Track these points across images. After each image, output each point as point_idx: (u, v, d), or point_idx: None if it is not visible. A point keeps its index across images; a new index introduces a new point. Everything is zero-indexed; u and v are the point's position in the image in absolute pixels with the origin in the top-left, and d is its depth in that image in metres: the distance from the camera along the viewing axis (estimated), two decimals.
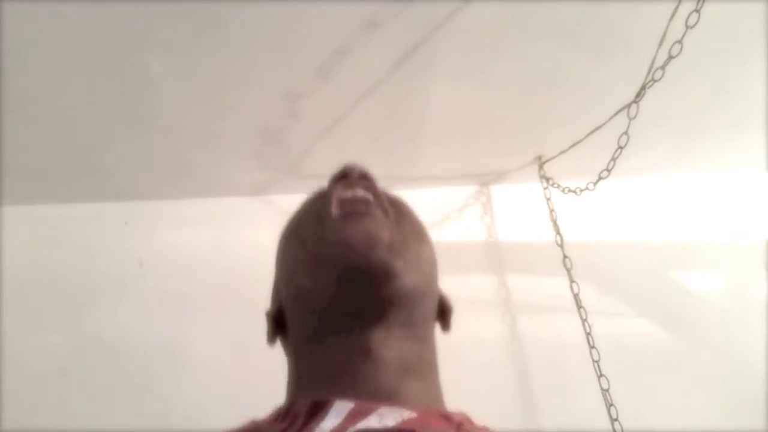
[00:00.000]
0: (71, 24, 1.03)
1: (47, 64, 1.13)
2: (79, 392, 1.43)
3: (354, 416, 0.40)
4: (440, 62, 1.21)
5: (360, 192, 0.52)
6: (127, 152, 1.46)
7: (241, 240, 1.64)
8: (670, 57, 0.99)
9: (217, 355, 1.48)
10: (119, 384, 1.45)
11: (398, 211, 0.53)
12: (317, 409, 0.41)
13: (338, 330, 0.46)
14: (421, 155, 1.56)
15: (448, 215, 1.71)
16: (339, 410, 0.41)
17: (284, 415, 0.44)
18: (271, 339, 0.54)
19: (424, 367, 0.49)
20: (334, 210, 0.50)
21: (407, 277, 0.46)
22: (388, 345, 0.46)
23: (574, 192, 1.50)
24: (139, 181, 1.61)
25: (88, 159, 1.48)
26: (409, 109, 1.37)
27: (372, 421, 0.40)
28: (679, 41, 0.96)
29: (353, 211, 0.49)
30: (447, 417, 0.44)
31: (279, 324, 0.54)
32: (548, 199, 1.58)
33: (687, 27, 0.94)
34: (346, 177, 0.55)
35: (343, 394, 0.42)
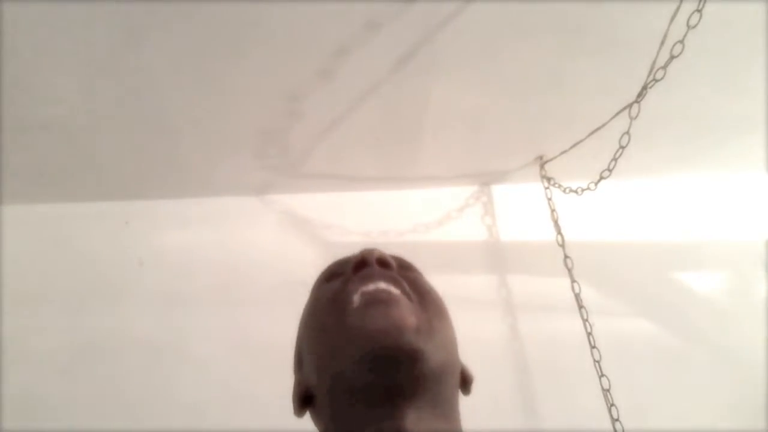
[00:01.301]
0: (71, 24, 1.03)
1: (47, 64, 1.13)
2: (79, 392, 1.43)
3: None
4: (440, 62, 1.21)
5: (382, 285, 0.53)
6: (127, 152, 1.46)
7: (241, 239, 1.64)
8: (672, 57, 0.98)
9: (216, 354, 1.48)
10: (119, 384, 1.45)
11: (420, 293, 0.55)
12: None
13: (371, 414, 0.47)
14: (422, 155, 1.56)
15: (449, 215, 1.71)
16: None
17: None
18: (299, 414, 0.55)
19: None
20: (357, 303, 0.51)
21: (435, 359, 0.48)
22: (420, 425, 0.47)
23: (575, 192, 1.50)
24: (139, 181, 1.61)
25: (88, 159, 1.48)
26: (409, 109, 1.37)
27: None
28: (681, 41, 0.96)
29: (376, 299, 0.51)
30: None
31: (306, 401, 0.55)
32: (549, 199, 1.58)
33: (688, 27, 0.94)
34: (364, 265, 0.55)
35: None
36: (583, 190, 1.46)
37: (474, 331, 1.52)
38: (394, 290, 0.52)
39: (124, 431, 1.38)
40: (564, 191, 1.54)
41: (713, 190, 1.79)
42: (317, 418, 0.55)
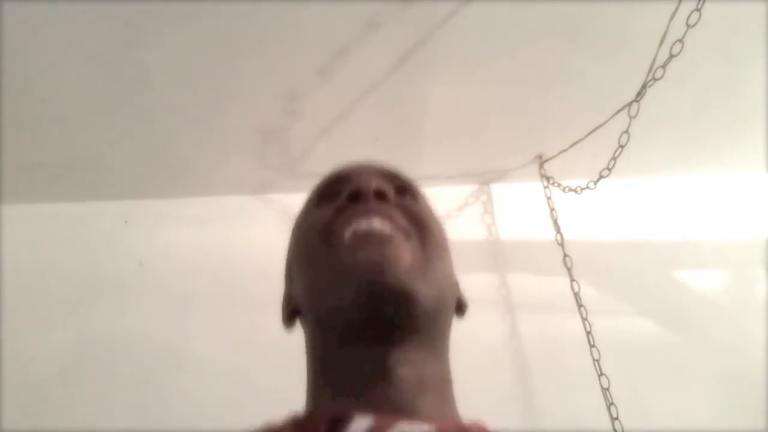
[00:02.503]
0: (71, 24, 1.03)
1: (47, 63, 1.13)
2: (79, 392, 1.43)
3: (374, 431, 0.40)
4: (440, 62, 1.21)
5: (376, 223, 0.49)
6: (127, 151, 1.46)
7: (241, 239, 1.64)
8: (671, 56, 0.99)
9: (217, 353, 1.48)
10: (119, 384, 1.45)
11: (418, 225, 0.52)
12: (336, 423, 0.41)
13: (356, 351, 0.46)
14: (422, 154, 1.56)
15: (449, 214, 1.71)
16: (359, 425, 0.40)
17: (302, 426, 0.44)
18: (288, 326, 0.55)
19: (441, 383, 0.48)
20: (348, 240, 0.48)
21: (428, 299, 0.46)
22: (407, 365, 0.45)
23: (575, 191, 1.50)
24: (139, 180, 1.61)
25: (88, 158, 1.48)
26: (410, 108, 1.37)
27: None
28: (680, 40, 0.96)
29: (369, 240, 0.48)
30: (464, 429, 0.44)
31: (294, 313, 0.54)
32: (549, 198, 1.58)
33: (688, 26, 0.94)
34: (359, 197, 0.51)
35: (362, 409, 0.42)
36: (582, 189, 1.46)
37: (473, 330, 1.52)
38: (389, 229, 0.49)
39: (124, 431, 1.38)
40: (563, 190, 1.54)
41: (713, 189, 1.79)
42: (306, 334, 0.53)
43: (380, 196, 0.52)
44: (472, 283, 1.77)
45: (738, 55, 1.25)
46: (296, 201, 0.58)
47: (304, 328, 0.53)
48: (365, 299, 0.44)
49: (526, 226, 1.69)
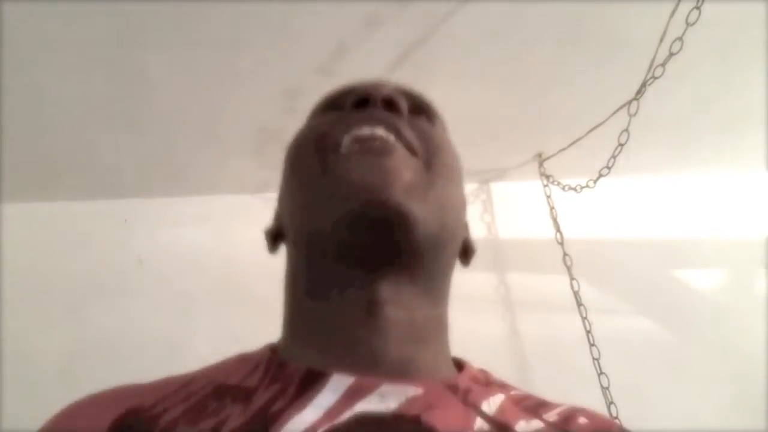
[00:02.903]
0: (71, 24, 1.03)
1: (47, 63, 1.13)
2: (79, 392, 1.43)
3: (353, 394, 0.36)
4: (440, 62, 1.20)
5: (380, 131, 0.43)
6: (127, 150, 1.46)
7: (241, 238, 1.64)
8: (671, 54, 0.99)
9: (217, 352, 1.47)
10: (120, 383, 1.45)
11: (429, 146, 0.45)
12: (312, 380, 0.37)
13: (342, 282, 0.41)
14: None
15: None
16: (337, 385, 0.37)
17: (275, 375, 0.39)
18: (272, 250, 0.51)
19: (434, 329, 0.44)
20: (345, 148, 0.43)
21: (427, 224, 0.40)
22: (397, 302, 0.41)
23: (575, 189, 1.50)
24: (138, 179, 1.61)
25: (88, 157, 1.48)
26: None
27: (373, 401, 0.36)
28: (680, 38, 0.96)
29: (368, 148, 0.42)
30: (453, 387, 0.40)
31: (279, 236, 0.50)
32: (548, 197, 1.58)
33: (687, 24, 0.94)
34: (367, 103, 0.46)
35: (342, 362, 0.38)
36: (582, 187, 1.46)
37: (473, 329, 1.52)
38: (393, 139, 0.43)
39: None
40: (563, 189, 1.54)
41: (713, 188, 1.79)
42: (288, 259, 0.48)
43: (390, 105, 0.46)
44: (471, 281, 1.78)
45: (738, 54, 1.25)
46: None
47: (287, 254, 0.48)
48: (355, 219, 0.39)
49: (525, 225, 1.69)
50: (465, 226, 0.51)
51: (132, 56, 1.13)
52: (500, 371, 1.45)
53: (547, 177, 1.58)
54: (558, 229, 1.51)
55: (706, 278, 1.70)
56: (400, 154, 0.42)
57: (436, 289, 0.45)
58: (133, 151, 1.47)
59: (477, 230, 1.68)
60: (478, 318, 1.54)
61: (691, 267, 1.71)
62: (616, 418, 1.27)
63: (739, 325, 1.60)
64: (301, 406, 0.36)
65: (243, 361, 0.44)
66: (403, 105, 0.47)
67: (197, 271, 1.59)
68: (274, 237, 0.50)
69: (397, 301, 0.41)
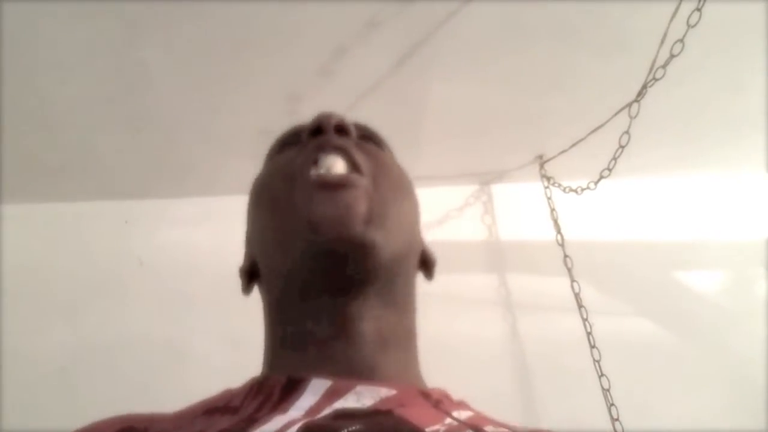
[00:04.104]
0: (71, 24, 1.03)
1: (47, 63, 1.13)
2: (79, 392, 1.43)
3: (331, 395, 0.39)
4: (440, 62, 1.20)
5: (334, 162, 0.47)
6: (127, 151, 1.46)
7: (241, 239, 1.64)
8: (672, 56, 0.98)
9: (217, 353, 1.48)
10: (119, 383, 1.45)
11: (379, 166, 0.49)
12: (293, 387, 0.40)
13: (313, 304, 0.45)
14: (422, 155, 1.55)
15: (449, 214, 1.71)
16: (315, 388, 0.40)
17: (258, 389, 0.43)
18: (246, 291, 0.54)
19: (403, 336, 0.47)
20: (305, 179, 0.46)
21: (388, 248, 0.44)
22: (366, 316, 0.44)
23: (575, 191, 1.49)
24: (139, 180, 1.61)
25: (88, 157, 1.48)
26: (409, 109, 1.37)
27: (349, 400, 0.39)
28: (681, 40, 0.96)
29: (326, 182, 0.45)
30: (425, 394, 0.43)
31: (253, 276, 0.53)
32: (549, 199, 1.57)
33: (688, 26, 0.94)
34: (320, 132, 0.50)
35: (320, 370, 0.41)
36: (582, 189, 1.46)
37: (473, 331, 1.52)
38: (347, 168, 0.47)
39: None
40: (564, 190, 1.54)
41: (713, 189, 1.79)
42: (263, 294, 0.52)
43: (341, 130, 0.51)
44: (472, 283, 1.78)
45: (739, 55, 1.25)
46: None
47: (261, 291, 0.52)
48: (320, 253, 0.43)
49: (526, 227, 1.69)
50: (421, 238, 0.54)
51: (132, 57, 1.13)
52: (500, 373, 1.46)
53: (548, 178, 1.58)
54: (559, 231, 1.51)
55: (706, 280, 1.70)
56: (355, 184, 0.45)
57: (401, 300, 0.48)
58: (133, 152, 1.47)
59: (478, 232, 1.70)
60: (479, 319, 1.54)
61: (692, 269, 1.71)
62: (617, 419, 1.27)
63: (739, 326, 1.60)
64: (284, 410, 0.38)
65: (228, 392, 0.47)
66: (352, 129, 0.52)
67: (197, 272, 1.59)
68: (249, 276, 0.53)
69: (366, 316, 0.44)
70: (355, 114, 1.44)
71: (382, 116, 1.37)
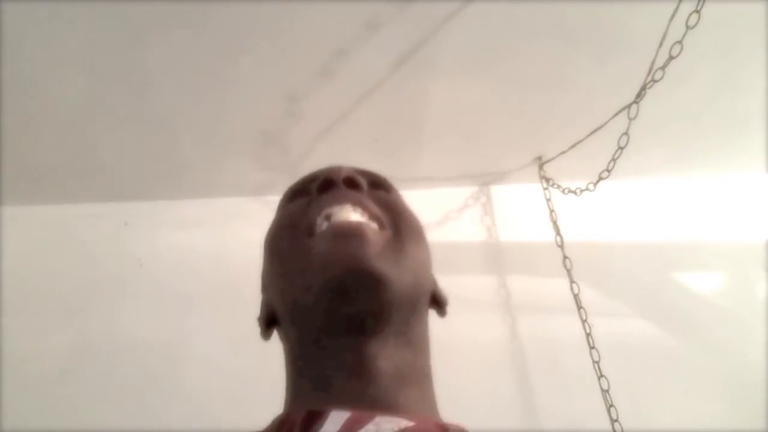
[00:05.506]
0: (71, 24, 1.04)
1: (47, 63, 1.13)
2: (79, 392, 1.43)
3: (350, 425, 0.39)
4: (440, 62, 1.21)
5: (348, 211, 0.49)
6: (127, 152, 1.46)
7: (241, 240, 1.64)
8: (671, 57, 0.99)
9: (217, 354, 1.48)
10: (119, 384, 1.45)
11: (392, 213, 0.52)
12: (313, 419, 0.41)
13: (332, 344, 0.45)
14: (421, 156, 1.56)
15: (448, 216, 1.71)
16: (335, 420, 0.40)
17: (279, 426, 0.43)
18: (265, 337, 0.54)
19: (419, 374, 0.48)
20: (319, 229, 0.48)
21: (401, 283, 0.45)
22: (384, 355, 0.45)
23: (574, 192, 1.50)
24: (139, 182, 1.61)
25: (88, 159, 1.48)
26: (409, 109, 1.37)
27: (370, 430, 0.39)
28: (680, 42, 0.96)
29: (340, 228, 0.47)
30: (443, 428, 0.43)
31: (271, 323, 0.53)
32: (548, 200, 1.58)
33: (687, 27, 0.94)
34: (330, 185, 0.52)
35: (339, 405, 0.42)
36: (582, 190, 1.46)
37: (473, 332, 1.52)
38: (360, 217, 0.49)
39: (124, 431, 1.38)
40: (563, 192, 1.54)
41: (713, 190, 1.79)
42: (283, 340, 0.52)
43: (351, 183, 0.52)
44: (471, 284, 1.78)
45: (738, 56, 1.25)
46: None
47: (280, 335, 0.53)
48: (335, 288, 0.44)
49: (525, 228, 1.69)
50: (433, 279, 0.55)
51: (133, 58, 1.14)
52: (500, 374, 1.46)
53: (547, 180, 1.58)
54: (558, 232, 1.51)
55: (705, 281, 1.70)
56: (369, 228, 0.47)
57: (416, 340, 0.49)
58: (133, 153, 1.47)
59: (477, 233, 1.70)
60: (479, 321, 1.54)
61: (691, 270, 1.71)
62: (617, 420, 1.27)
63: (739, 327, 1.60)
64: None
65: None
66: (362, 181, 0.53)
67: (197, 273, 1.59)
68: (268, 323, 0.54)
69: (383, 355, 0.45)
70: (355, 114, 1.45)
71: (382, 116, 1.38)
